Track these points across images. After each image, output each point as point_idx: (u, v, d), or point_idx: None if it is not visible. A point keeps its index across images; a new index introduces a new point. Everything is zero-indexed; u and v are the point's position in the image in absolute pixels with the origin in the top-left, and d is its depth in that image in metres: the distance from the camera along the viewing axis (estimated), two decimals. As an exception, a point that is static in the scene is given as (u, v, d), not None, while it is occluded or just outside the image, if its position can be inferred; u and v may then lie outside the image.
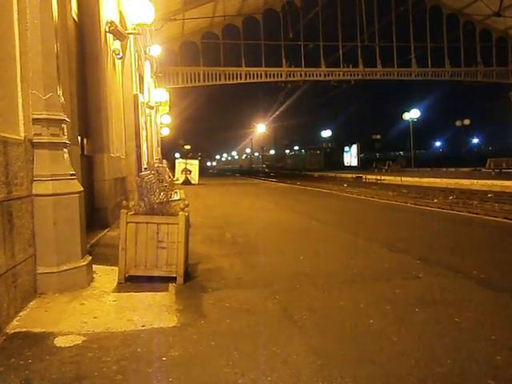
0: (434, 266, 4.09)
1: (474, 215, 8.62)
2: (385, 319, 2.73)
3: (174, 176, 18.70)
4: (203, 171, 48.68)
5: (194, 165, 20.41)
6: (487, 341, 2.39)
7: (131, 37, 9.68)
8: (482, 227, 6.73)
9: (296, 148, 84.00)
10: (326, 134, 65.64)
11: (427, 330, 2.55)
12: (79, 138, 5.35)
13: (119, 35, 7.56)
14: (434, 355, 2.22)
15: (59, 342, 2.40)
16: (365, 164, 47.81)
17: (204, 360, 2.20)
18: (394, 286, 3.43)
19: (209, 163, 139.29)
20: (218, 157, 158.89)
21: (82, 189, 3.46)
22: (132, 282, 3.47)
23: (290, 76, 29.88)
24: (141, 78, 13.46)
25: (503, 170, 22.86)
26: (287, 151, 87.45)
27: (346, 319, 2.75)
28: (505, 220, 7.73)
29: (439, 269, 3.97)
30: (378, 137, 73.88)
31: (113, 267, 3.73)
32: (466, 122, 41.60)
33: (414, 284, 3.50)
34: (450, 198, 13.86)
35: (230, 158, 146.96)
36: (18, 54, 2.96)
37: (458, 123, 42.33)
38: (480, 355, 2.22)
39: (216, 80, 28.70)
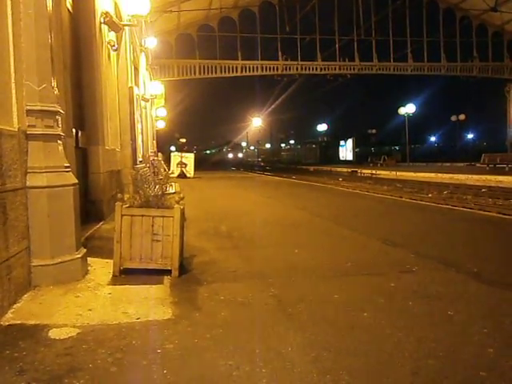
0: (428, 259, 4.12)
1: (468, 210, 8.67)
2: (379, 312, 2.75)
3: (169, 169, 18.66)
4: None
5: (189, 158, 20.40)
6: (480, 333, 2.41)
7: (126, 28, 9.57)
8: (476, 222, 6.77)
9: (292, 142, 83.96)
10: (322, 128, 65.71)
11: (421, 323, 2.57)
12: (74, 130, 5.31)
13: (114, 26, 7.49)
14: (427, 347, 2.24)
15: (54, 334, 2.40)
16: (360, 158, 47.89)
17: (199, 352, 2.20)
18: (389, 279, 3.45)
19: (230, 155, 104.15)
20: (244, 144, 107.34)
21: (76, 181, 3.44)
22: (127, 275, 3.47)
23: (286, 69, 29.72)
24: (136, 71, 13.36)
25: (497, 165, 23.02)
26: (283, 145, 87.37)
27: (340, 312, 2.76)
28: (498, 215, 7.78)
29: (433, 262, 4.00)
30: (374, 131, 74.02)
31: (108, 260, 3.72)
32: (462, 116, 41.71)
33: (408, 278, 3.52)
34: (445, 192, 13.92)
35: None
36: (11, 44, 2.93)
37: (453, 118, 42.44)
38: (472, 348, 2.25)
39: (212, 73, 28.51)
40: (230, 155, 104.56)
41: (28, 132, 3.10)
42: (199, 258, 4.21)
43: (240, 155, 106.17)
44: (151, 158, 16.34)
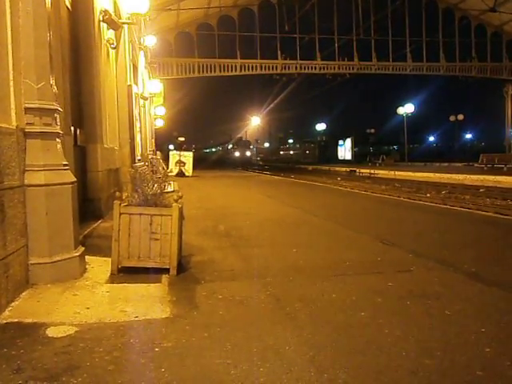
0: (425, 259, 4.12)
1: (466, 210, 8.68)
2: (376, 312, 2.75)
3: (167, 168, 18.66)
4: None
5: (188, 157, 20.42)
6: (477, 333, 2.42)
7: (125, 26, 9.57)
8: (473, 222, 6.78)
9: (290, 141, 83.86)
10: (321, 127, 65.78)
11: (418, 323, 2.58)
12: (72, 128, 5.30)
13: (113, 24, 7.48)
14: (425, 347, 2.25)
15: (51, 332, 2.40)
16: (359, 158, 47.99)
17: (197, 351, 2.20)
18: (386, 278, 3.45)
19: (237, 153, 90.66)
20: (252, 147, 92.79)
21: (74, 179, 3.44)
22: (125, 273, 3.46)
23: (285, 68, 29.71)
24: (135, 69, 13.34)
25: (495, 166, 23.11)
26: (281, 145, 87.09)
27: (338, 311, 2.77)
28: (496, 215, 7.79)
29: (431, 262, 4.00)
30: (372, 131, 74.25)
31: (106, 258, 3.72)
32: (460, 117, 41.81)
33: (405, 277, 3.53)
34: (443, 192, 13.93)
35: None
36: (9, 42, 2.92)
37: (451, 118, 42.52)
38: (469, 347, 2.25)
39: (211, 72, 28.47)
40: (237, 153, 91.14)
41: (26, 130, 3.09)
42: (197, 256, 4.21)
43: (248, 153, 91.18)
44: (150, 157, 16.34)
